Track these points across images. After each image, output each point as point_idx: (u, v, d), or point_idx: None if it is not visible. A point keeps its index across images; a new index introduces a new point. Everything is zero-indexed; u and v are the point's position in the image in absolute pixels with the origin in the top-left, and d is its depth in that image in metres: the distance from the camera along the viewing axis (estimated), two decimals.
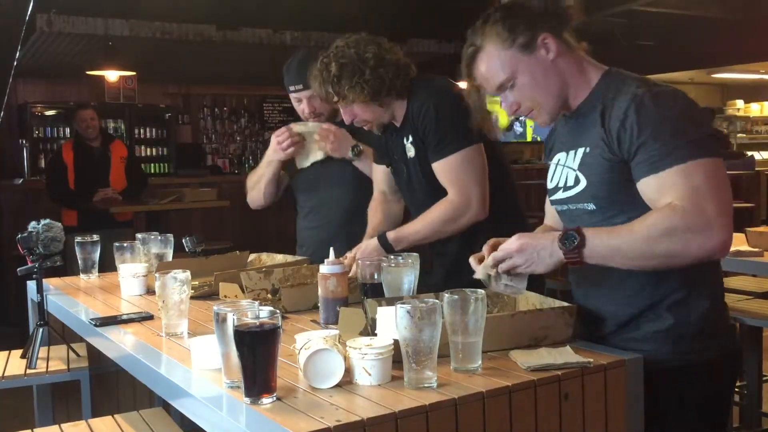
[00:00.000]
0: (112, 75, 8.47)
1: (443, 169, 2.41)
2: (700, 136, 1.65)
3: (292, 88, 2.97)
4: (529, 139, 13.10)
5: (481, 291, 1.64)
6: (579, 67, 1.84)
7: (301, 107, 3.00)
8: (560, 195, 1.91)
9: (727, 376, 1.87)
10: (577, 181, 1.83)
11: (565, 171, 1.88)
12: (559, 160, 1.92)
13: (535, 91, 1.82)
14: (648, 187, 1.68)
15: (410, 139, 2.48)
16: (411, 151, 2.50)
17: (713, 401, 1.83)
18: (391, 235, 2.48)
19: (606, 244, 1.68)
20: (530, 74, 1.81)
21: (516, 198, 2.63)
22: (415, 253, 2.23)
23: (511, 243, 1.76)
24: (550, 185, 1.98)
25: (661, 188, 1.66)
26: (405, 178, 2.58)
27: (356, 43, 2.38)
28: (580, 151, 1.82)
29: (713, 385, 1.82)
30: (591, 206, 1.81)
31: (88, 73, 8.05)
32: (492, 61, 1.83)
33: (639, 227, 1.65)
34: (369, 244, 2.49)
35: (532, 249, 1.74)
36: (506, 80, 1.82)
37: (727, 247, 1.64)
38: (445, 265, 2.54)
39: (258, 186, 3.13)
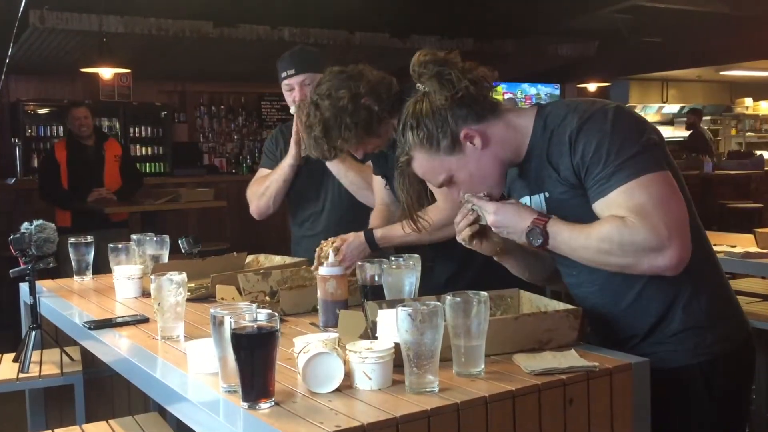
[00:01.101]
0: (106, 72, 8.46)
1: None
2: (637, 151, 1.67)
3: (284, 74, 2.97)
4: None
5: (484, 294, 1.64)
6: (510, 130, 1.83)
7: (293, 95, 2.98)
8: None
9: (747, 366, 1.89)
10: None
11: (536, 206, 1.88)
12: (525, 202, 1.91)
13: (476, 180, 1.83)
14: (601, 211, 1.71)
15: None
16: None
17: (735, 396, 1.85)
18: (378, 233, 2.50)
19: (567, 243, 1.73)
20: (464, 170, 1.82)
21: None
22: (416, 255, 2.23)
23: (488, 213, 1.80)
24: None
25: (614, 209, 1.67)
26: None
27: (327, 91, 2.33)
28: (541, 196, 1.85)
29: (735, 377, 1.84)
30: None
31: (81, 70, 8.03)
32: (425, 167, 1.84)
33: (594, 237, 1.68)
34: (357, 237, 2.50)
35: (504, 228, 1.79)
36: (445, 180, 1.85)
37: (683, 263, 1.65)
38: (446, 266, 2.54)
39: (268, 192, 3.09)
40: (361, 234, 2.50)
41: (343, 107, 2.30)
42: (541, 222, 1.74)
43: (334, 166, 2.92)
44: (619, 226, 1.65)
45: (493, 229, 1.82)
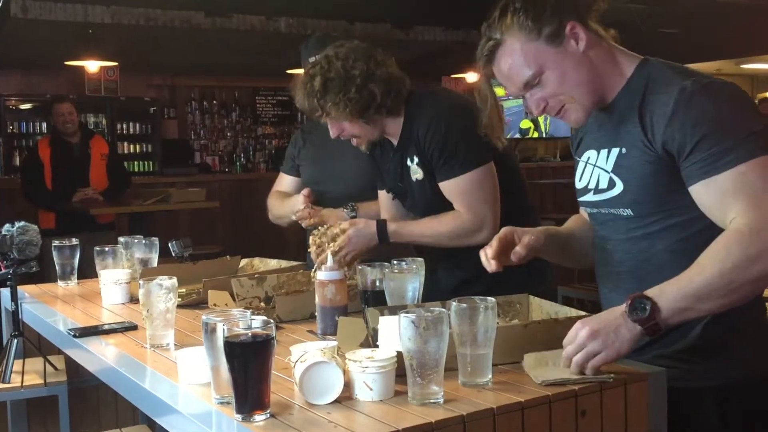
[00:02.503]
0: (92, 65, 8.49)
1: (453, 189, 2.43)
2: (750, 133, 1.60)
3: (311, 60, 3.00)
4: (544, 133, 13.08)
5: (491, 299, 1.64)
6: (611, 58, 1.79)
7: None
8: (591, 197, 1.87)
9: None
10: (611, 184, 1.79)
11: (596, 171, 1.84)
12: (589, 158, 1.88)
13: (566, 86, 1.76)
14: (703, 193, 1.63)
15: (416, 160, 2.48)
16: (418, 173, 2.50)
17: (756, 426, 1.77)
18: (392, 226, 2.49)
19: (681, 294, 1.60)
20: (560, 68, 1.74)
21: (526, 200, 2.63)
22: (420, 258, 2.23)
23: (579, 333, 1.64)
24: (578, 184, 1.93)
25: (720, 194, 1.60)
26: (411, 202, 2.59)
27: (346, 55, 2.39)
28: (615, 151, 1.78)
29: (758, 413, 1.76)
30: (628, 212, 1.77)
31: (66, 63, 8.07)
32: (515, 56, 1.76)
33: (708, 263, 1.58)
34: (367, 225, 2.49)
35: (606, 331, 1.62)
36: (533, 77, 1.76)
37: None
38: (454, 271, 2.54)
39: (282, 221, 3.11)
40: (373, 223, 2.50)
41: (352, 77, 2.35)
42: (636, 296, 1.61)
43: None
44: (735, 239, 1.56)
45: (593, 346, 1.62)
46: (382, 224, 2.50)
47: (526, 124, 12.34)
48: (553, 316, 1.94)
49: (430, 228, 2.47)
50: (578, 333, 1.63)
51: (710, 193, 1.62)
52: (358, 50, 2.42)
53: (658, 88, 1.70)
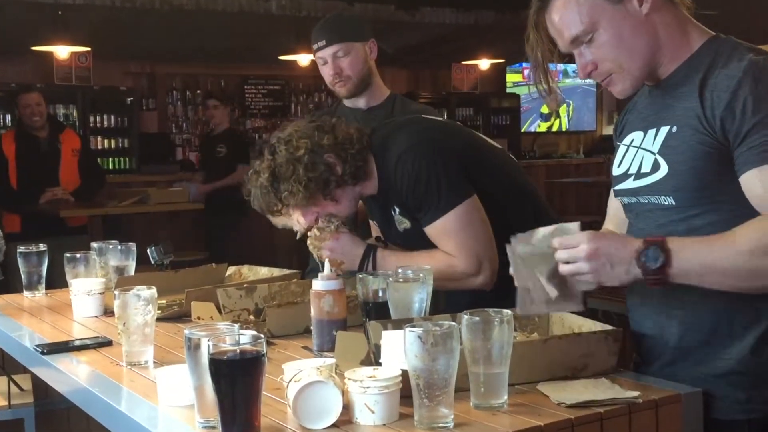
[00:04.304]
0: (62, 51, 8.50)
1: (439, 233, 2.40)
2: None
3: (315, 46, 3.09)
4: (564, 128, 13.11)
5: (507, 312, 1.64)
6: (679, 27, 1.79)
7: (327, 70, 3.10)
8: (630, 183, 1.86)
9: None
10: (656, 166, 1.77)
11: (640, 154, 1.83)
12: (632, 140, 1.87)
13: (619, 50, 1.76)
14: (758, 179, 1.62)
15: (397, 210, 2.49)
16: (404, 224, 2.50)
17: None
18: (378, 256, 2.49)
19: (698, 259, 1.63)
20: (615, 29, 1.75)
21: (539, 205, 2.60)
22: (427, 267, 2.22)
23: (581, 244, 1.68)
24: (616, 171, 1.92)
25: None
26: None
27: (289, 137, 2.41)
28: (664, 129, 1.77)
29: None
30: (669, 200, 1.76)
31: (33, 49, 8.06)
32: (569, 7, 1.77)
33: (741, 238, 1.59)
34: (355, 245, 2.51)
35: (606, 258, 1.67)
36: (583, 33, 1.77)
37: None
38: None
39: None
40: (362, 245, 2.51)
41: (298, 158, 2.37)
42: (654, 241, 1.64)
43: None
44: None
45: (583, 264, 1.68)
46: (371, 249, 2.51)
47: (547, 108, 12.33)
48: (576, 330, 1.94)
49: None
50: (580, 245, 1.67)
51: (764, 181, 1.61)
52: (302, 127, 2.44)
53: (726, 62, 1.70)
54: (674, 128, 1.75)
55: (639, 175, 1.83)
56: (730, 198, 1.68)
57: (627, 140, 1.90)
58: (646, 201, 1.82)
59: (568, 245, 1.70)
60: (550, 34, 1.82)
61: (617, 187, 1.92)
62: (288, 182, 2.38)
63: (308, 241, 2.54)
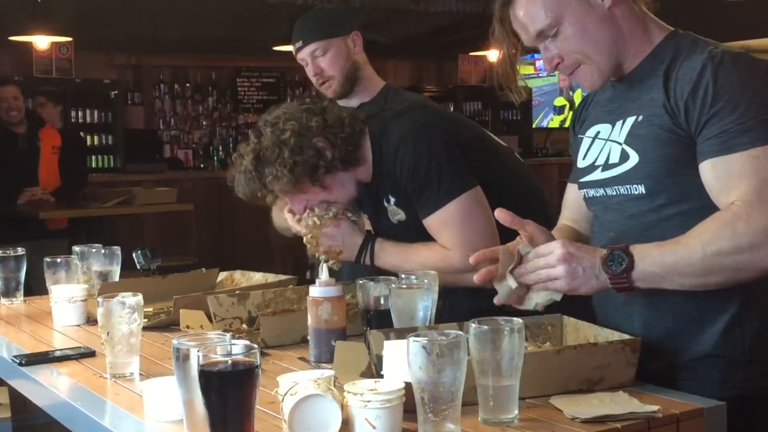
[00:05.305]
0: (41, 41, 8.52)
1: (437, 224, 2.40)
2: None
3: (293, 48, 3.11)
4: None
5: (518, 320, 1.64)
6: (640, 22, 1.91)
7: (309, 72, 3.12)
8: (597, 175, 1.96)
9: None
10: (624, 156, 1.89)
11: (607, 146, 1.94)
12: (598, 132, 1.99)
13: (584, 43, 1.88)
14: (711, 170, 1.75)
15: (392, 200, 2.49)
16: (399, 215, 2.50)
17: None
18: (379, 245, 2.51)
19: (659, 261, 1.74)
20: (579, 22, 1.87)
21: (545, 210, 2.60)
22: (432, 272, 2.22)
23: (553, 251, 1.79)
24: (581, 163, 2.04)
25: (727, 175, 1.72)
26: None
27: (276, 119, 2.42)
28: (630, 120, 1.89)
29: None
30: (641, 189, 1.86)
31: (10, 39, 8.08)
32: (534, 2, 1.88)
33: (695, 242, 1.71)
34: (354, 236, 2.52)
35: (577, 263, 1.78)
36: (548, 27, 1.88)
37: None
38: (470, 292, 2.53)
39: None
40: (363, 235, 2.53)
41: (284, 141, 2.37)
42: (617, 248, 1.76)
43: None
44: (728, 221, 1.69)
45: (557, 270, 1.79)
46: (370, 240, 2.52)
47: (560, 101, 12.32)
48: (592, 340, 1.94)
49: (421, 264, 2.40)
50: (554, 250, 1.77)
51: (718, 174, 1.74)
52: (291, 109, 2.45)
53: (688, 55, 1.82)
54: (640, 117, 1.87)
55: (607, 166, 1.94)
56: (700, 187, 1.78)
57: (591, 132, 2.02)
58: (615, 192, 1.93)
59: (542, 253, 1.80)
60: (514, 29, 1.94)
61: (583, 179, 2.04)
62: (273, 166, 2.37)
63: (303, 230, 2.52)
